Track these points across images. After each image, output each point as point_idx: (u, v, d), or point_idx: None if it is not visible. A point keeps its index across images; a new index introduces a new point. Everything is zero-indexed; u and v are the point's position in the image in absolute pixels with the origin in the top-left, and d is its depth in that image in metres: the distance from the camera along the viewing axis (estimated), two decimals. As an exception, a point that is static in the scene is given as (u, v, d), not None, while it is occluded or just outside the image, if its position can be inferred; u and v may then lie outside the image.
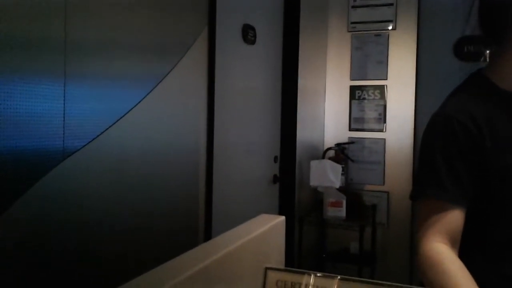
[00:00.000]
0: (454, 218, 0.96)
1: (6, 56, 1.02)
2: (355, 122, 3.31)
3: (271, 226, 0.94)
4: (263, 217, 1.00)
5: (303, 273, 0.73)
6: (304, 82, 2.91)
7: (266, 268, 0.69)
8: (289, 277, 0.70)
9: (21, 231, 1.07)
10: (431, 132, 1.03)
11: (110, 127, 1.34)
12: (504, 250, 1.01)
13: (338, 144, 3.17)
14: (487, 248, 1.02)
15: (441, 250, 0.94)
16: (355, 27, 3.30)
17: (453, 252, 0.94)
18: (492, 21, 1.04)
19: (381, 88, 3.23)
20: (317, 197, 3.06)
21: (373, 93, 3.26)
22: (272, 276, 0.69)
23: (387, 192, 3.21)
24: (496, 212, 1.01)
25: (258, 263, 0.79)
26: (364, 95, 3.28)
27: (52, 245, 1.15)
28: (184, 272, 0.69)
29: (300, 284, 0.69)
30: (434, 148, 1.00)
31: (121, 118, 1.38)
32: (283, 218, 1.02)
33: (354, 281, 0.74)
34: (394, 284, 0.75)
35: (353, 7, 3.30)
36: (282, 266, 0.90)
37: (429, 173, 1.01)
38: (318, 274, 0.74)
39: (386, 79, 3.22)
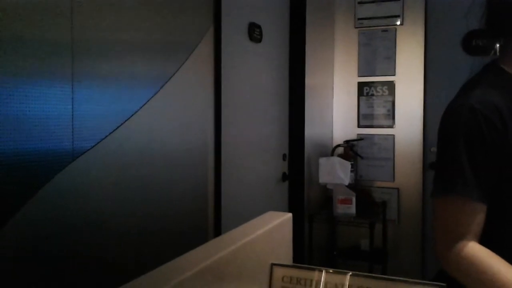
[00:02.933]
0: (480, 215, 0.95)
1: (14, 59, 1.03)
2: (364, 119, 3.29)
3: (278, 223, 0.94)
4: (270, 214, 1.00)
5: (313, 269, 0.73)
6: (311, 79, 2.90)
7: (272, 264, 0.70)
8: (295, 273, 0.70)
9: (32, 231, 1.09)
10: (454, 125, 0.98)
11: (118, 127, 1.35)
12: None
13: (347, 141, 3.16)
14: (499, 244, 1.00)
15: (481, 249, 0.93)
16: (362, 23, 3.29)
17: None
18: (503, 12, 1.02)
19: (390, 84, 3.22)
20: (327, 195, 3.06)
21: (381, 89, 3.24)
22: (278, 272, 0.69)
23: (397, 189, 3.19)
24: (510, 209, 0.99)
25: (265, 260, 0.79)
26: (372, 91, 3.26)
27: (63, 245, 1.17)
28: (192, 268, 0.70)
29: (306, 280, 0.69)
30: (458, 142, 0.96)
31: (129, 118, 1.39)
32: (290, 215, 1.02)
33: (365, 277, 0.74)
34: (405, 279, 0.75)
35: (359, 3, 3.29)
36: (290, 263, 0.90)
37: (454, 169, 0.96)
38: (330, 270, 0.74)
39: (394, 75, 3.21)
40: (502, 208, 0.99)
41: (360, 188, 3.18)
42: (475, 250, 0.93)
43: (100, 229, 1.29)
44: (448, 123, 1.01)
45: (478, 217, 0.95)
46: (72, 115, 1.19)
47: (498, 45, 1.10)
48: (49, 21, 1.13)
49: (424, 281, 0.76)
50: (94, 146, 1.26)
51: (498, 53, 1.10)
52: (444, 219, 0.98)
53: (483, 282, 0.90)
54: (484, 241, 0.96)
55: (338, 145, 3.14)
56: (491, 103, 0.96)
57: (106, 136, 1.31)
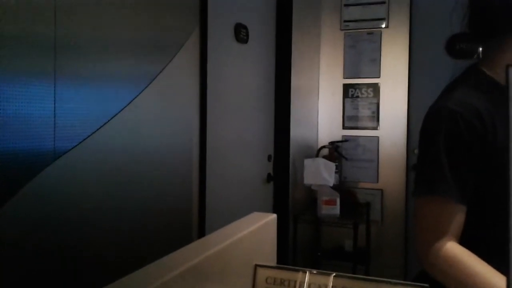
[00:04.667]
0: (460, 216, 0.96)
1: (-6, 56, 1.01)
2: (349, 120, 3.31)
3: (262, 224, 0.94)
4: (255, 215, 1.00)
5: (296, 270, 0.73)
6: (297, 80, 2.91)
7: (256, 265, 0.69)
8: (279, 274, 0.70)
9: (12, 231, 1.07)
10: (435, 127, 1.00)
11: (101, 127, 1.34)
12: (498, 249, 1.00)
13: (331, 143, 3.18)
14: (480, 246, 1.01)
15: (460, 249, 0.94)
16: (348, 25, 3.31)
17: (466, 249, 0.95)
18: (484, 15, 1.04)
19: (374, 86, 3.24)
20: (311, 196, 3.07)
21: (366, 91, 3.27)
22: (262, 273, 0.69)
23: (381, 190, 3.22)
24: (492, 210, 1.00)
25: (249, 260, 0.79)
26: (358, 93, 3.29)
27: (43, 245, 1.15)
28: (175, 269, 0.69)
29: (290, 281, 0.69)
30: (439, 144, 0.97)
31: (112, 118, 1.38)
32: (274, 216, 1.02)
33: (348, 278, 0.75)
34: (388, 280, 0.75)
35: (345, 5, 3.31)
36: (274, 264, 0.90)
37: (435, 170, 0.98)
38: (314, 271, 0.74)
39: (379, 77, 3.24)
40: (483, 210, 1.00)
41: (344, 189, 3.20)
42: (454, 249, 0.94)
43: (81, 230, 1.27)
44: (429, 125, 1.03)
45: (458, 217, 0.97)
46: (54, 114, 1.17)
47: (481, 49, 1.12)
48: (31, 18, 1.11)
49: (406, 282, 0.77)
50: (76, 145, 1.24)
51: (481, 56, 1.11)
52: (425, 219, 0.99)
53: (461, 281, 0.91)
54: (464, 242, 0.97)
55: (323, 147, 3.15)
56: (471, 105, 0.98)
57: (89, 136, 1.29)
